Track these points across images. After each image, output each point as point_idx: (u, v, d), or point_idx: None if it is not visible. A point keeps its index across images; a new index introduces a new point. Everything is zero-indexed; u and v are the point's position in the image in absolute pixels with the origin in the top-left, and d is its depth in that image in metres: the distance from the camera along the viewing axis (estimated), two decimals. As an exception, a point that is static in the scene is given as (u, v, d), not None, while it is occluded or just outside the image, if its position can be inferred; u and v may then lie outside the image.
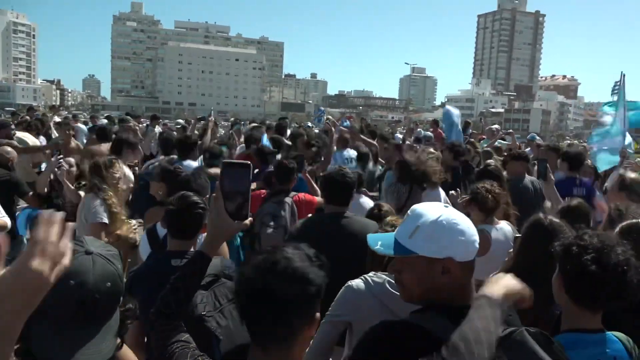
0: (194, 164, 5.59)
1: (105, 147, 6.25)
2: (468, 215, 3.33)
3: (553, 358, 1.38)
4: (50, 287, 1.04)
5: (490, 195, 3.61)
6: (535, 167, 5.49)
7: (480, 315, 1.36)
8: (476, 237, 1.51)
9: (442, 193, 5.58)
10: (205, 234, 1.65)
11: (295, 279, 1.30)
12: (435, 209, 1.52)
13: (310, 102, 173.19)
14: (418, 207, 1.56)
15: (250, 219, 1.61)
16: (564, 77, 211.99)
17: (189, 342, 1.48)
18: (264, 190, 4.81)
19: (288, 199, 4.68)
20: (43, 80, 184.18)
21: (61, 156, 5.24)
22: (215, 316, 2.17)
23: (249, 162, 1.65)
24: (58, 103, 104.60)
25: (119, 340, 1.41)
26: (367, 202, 4.89)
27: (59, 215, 1.11)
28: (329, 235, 3.01)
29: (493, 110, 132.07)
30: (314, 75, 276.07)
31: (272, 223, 4.08)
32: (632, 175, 3.90)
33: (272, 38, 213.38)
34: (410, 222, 1.52)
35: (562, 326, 1.83)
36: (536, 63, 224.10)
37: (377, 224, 3.11)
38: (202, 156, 5.89)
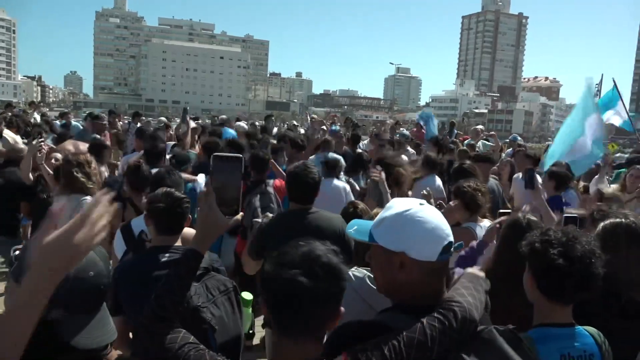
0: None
1: (83, 146, 6.12)
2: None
3: (522, 356, 1.39)
4: (74, 277, 1.18)
5: (478, 194, 3.64)
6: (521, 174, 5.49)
7: (465, 284, 1.49)
8: (444, 241, 1.47)
9: (438, 181, 5.62)
10: (191, 228, 1.58)
11: (334, 275, 1.33)
12: (407, 204, 1.52)
13: (296, 101, 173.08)
14: (394, 201, 1.59)
15: (241, 213, 1.57)
16: (546, 78, 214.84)
17: (198, 343, 1.44)
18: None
19: (270, 189, 4.74)
20: (23, 76, 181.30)
21: (42, 139, 5.16)
22: (210, 307, 2.19)
23: (241, 155, 1.58)
24: (39, 100, 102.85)
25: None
26: (340, 185, 5.14)
27: (106, 197, 1.21)
28: (296, 231, 2.96)
29: (477, 110, 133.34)
30: (299, 74, 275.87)
31: (267, 214, 4.09)
32: (609, 190, 4.17)
33: (257, 36, 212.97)
34: (382, 213, 1.57)
35: (533, 321, 1.86)
36: (519, 64, 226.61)
37: (342, 219, 3.20)
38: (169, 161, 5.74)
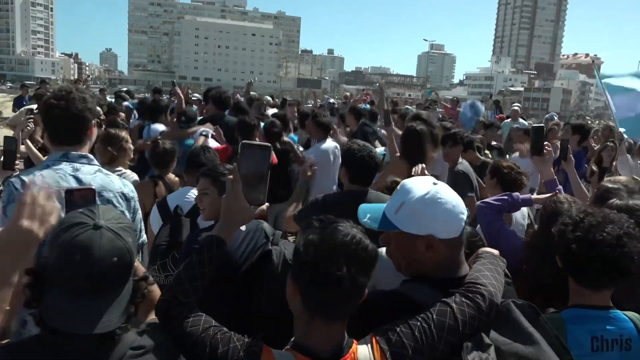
0: (160, 127, 5.93)
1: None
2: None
3: (539, 330, 1.41)
4: (53, 255, 1.23)
5: (512, 172, 3.58)
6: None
7: (487, 266, 1.56)
8: (463, 215, 1.55)
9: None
10: (221, 217, 1.59)
11: (375, 261, 1.37)
12: (424, 186, 1.55)
13: (327, 78, 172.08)
14: (408, 183, 1.60)
15: (267, 204, 1.56)
16: (587, 55, 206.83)
17: (221, 326, 1.44)
18: (228, 147, 5.01)
19: None
20: (61, 53, 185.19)
21: (31, 116, 5.19)
22: None
23: (269, 144, 1.56)
24: (76, 77, 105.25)
25: (133, 308, 1.38)
26: (329, 146, 5.30)
27: (45, 192, 1.28)
28: (353, 213, 2.97)
29: (512, 89, 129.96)
30: (330, 51, 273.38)
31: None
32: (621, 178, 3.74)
33: (289, 13, 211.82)
34: (398, 198, 1.57)
35: (569, 302, 1.82)
36: (558, 40, 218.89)
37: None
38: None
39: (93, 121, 2.28)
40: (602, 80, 6.77)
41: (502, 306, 1.47)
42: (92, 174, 2.23)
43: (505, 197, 2.76)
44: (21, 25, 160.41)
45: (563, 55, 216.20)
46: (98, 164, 2.30)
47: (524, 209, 3.57)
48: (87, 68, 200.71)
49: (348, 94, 13.93)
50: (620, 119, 6.41)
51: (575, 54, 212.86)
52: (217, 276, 1.54)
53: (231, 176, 1.54)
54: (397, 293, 1.54)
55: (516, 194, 2.83)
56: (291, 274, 1.39)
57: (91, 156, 2.28)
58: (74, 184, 2.09)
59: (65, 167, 2.17)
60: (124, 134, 4.13)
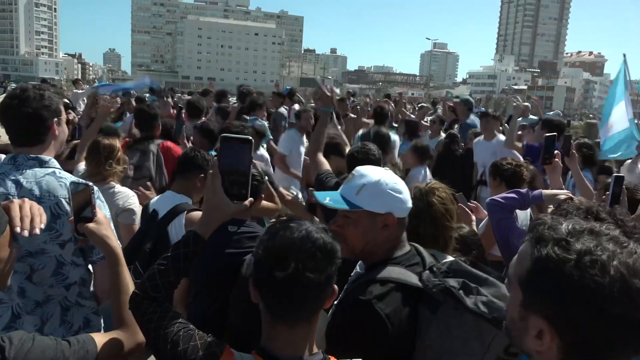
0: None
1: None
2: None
3: (483, 271, 1.65)
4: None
5: (510, 166, 3.59)
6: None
7: None
8: (410, 199, 1.76)
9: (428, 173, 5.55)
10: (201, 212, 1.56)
11: (331, 256, 1.34)
12: (378, 171, 1.75)
13: (330, 77, 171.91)
14: (361, 169, 1.76)
15: (250, 199, 1.51)
16: (590, 53, 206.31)
17: (187, 323, 1.42)
18: (128, 139, 4.71)
19: (153, 147, 4.42)
20: (65, 54, 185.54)
21: None
22: None
23: (250, 137, 1.51)
24: (80, 77, 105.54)
25: None
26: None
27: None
28: None
29: (515, 87, 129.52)
30: (333, 50, 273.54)
31: (132, 174, 3.90)
32: None
33: (291, 12, 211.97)
34: (356, 181, 1.71)
35: None
36: (561, 39, 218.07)
37: None
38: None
39: (53, 120, 2.10)
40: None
41: (453, 263, 1.68)
42: (40, 177, 2.04)
43: (514, 195, 2.71)
44: (25, 25, 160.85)
45: (567, 54, 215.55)
46: (54, 166, 2.12)
47: (528, 210, 3.56)
48: (91, 68, 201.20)
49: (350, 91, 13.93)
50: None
51: (579, 52, 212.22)
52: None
53: (211, 171, 1.50)
54: (384, 280, 1.64)
55: (525, 189, 2.79)
56: (251, 278, 1.37)
57: (47, 158, 2.10)
58: (12, 189, 1.96)
59: (9, 170, 2.03)
60: (117, 143, 3.53)
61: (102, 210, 1.78)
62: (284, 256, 1.28)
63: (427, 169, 5.63)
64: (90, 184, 1.66)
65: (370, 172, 1.73)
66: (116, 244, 1.67)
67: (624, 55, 6.79)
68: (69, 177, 2.11)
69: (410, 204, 1.75)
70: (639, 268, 0.90)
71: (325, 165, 3.21)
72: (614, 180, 2.57)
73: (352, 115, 7.40)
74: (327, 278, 1.32)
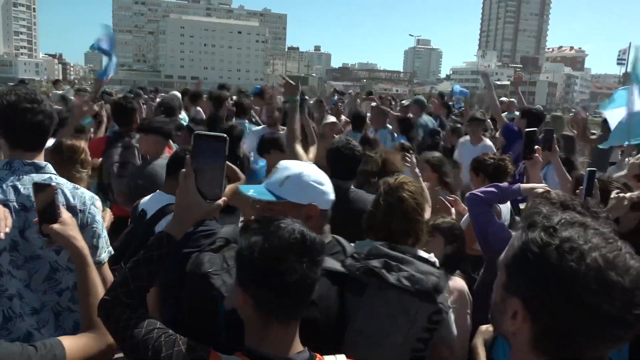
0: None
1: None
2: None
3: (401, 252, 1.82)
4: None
5: (493, 161, 3.59)
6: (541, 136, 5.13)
7: None
8: (332, 192, 1.81)
9: None
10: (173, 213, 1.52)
11: (322, 252, 1.35)
12: (300, 164, 1.79)
13: (314, 75, 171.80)
14: (284, 162, 1.80)
15: (224, 198, 1.48)
16: (571, 48, 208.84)
17: (166, 328, 1.36)
18: (105, 136, 4.63)
19: (135, 141, 4.34)
20: (45, 54, 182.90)
21: None
22: (222, 275, 2.10)
23: (225, 135, 1.45)
24: (61, 77, 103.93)
25: None
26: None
27: None
28: (338, 208, 2.89)
29: (499, 82, 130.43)
30: (317, 48, 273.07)
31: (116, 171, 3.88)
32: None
33: (274, 10, 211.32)
34: (280, 174, 1.74)
35: None
36: (543, 34, 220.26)
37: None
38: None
39: (52, 127, 2.10)
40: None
41: (372, 248, 1.86)
42: None
43: (493, 188, 2.72)
44: (3, 26, 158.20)
45: (548, 49, 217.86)
46: (50, 171, 2.10)
47: (509, 205, 3.55)
48: (72, 68, 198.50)
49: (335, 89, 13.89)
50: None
51: (560, 47, 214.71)
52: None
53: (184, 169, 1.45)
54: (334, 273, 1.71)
55: (504, 184, 2.80)
56: (239, 281, 1.34)
57: (43, 164, 2.08)
58: (11, 195, 1.93)
59: (6, 176, 2.00)
60: (82, 144, 3.40)
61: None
62: (285, 256, 1.27)
63: None
64: (54, 183, 1.61)
65: (293, 165, 1.76)
66: (83, 245, 1.64)
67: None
68: (65, 183, 2.10)
69: (332, 196, 1.78)
70: (619, 264, 0.89)
71: (303, 157, 3.18)
72: (588, 173, 2.65)
73: (331, 119, 7.23)
74: (318, 277, 1.33)
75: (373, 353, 1.76)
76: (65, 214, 1.64)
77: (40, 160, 2.09)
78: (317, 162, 3.49)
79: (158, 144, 3.97)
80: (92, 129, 5.25)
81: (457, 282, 2.67)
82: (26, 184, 1.98)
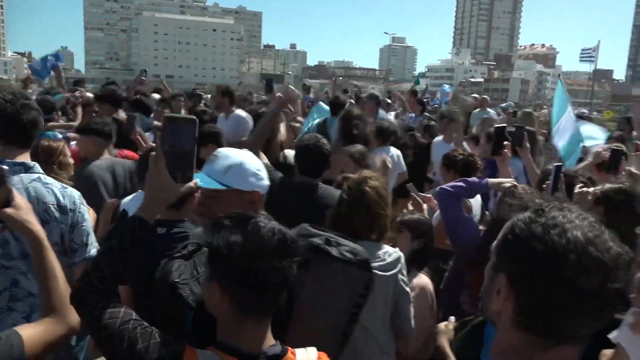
0: None
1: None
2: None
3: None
4: None
5: (463, 157, 3.64)
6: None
7: None
8: (267, 177, 1.90)
9: (394, 151, 5.44)
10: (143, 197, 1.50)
11: (296, 247, 1.36)
12: (239, 152, 1.85)
13: (290, 73, 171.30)
14: (223, 151, 1.85)
15: (195, 180, 1.49)
16: (543, 45, 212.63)
17: (142, 320, 1.34)
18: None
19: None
20: (14, 52, 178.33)
21: None
22: (191, 284, 2.05)
23: (195, 118, 1.46)
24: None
25: None
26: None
27: None
28: (304, 205, 2.91)
29: (473, 80, 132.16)
30: (293, 46, 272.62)
31: None
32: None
33: (250, 8, 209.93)
34: (221, 162, 1.79)
35: None
36: (515, 32, 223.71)
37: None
38: None
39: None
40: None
41: (301, 228, 1.95)
42: (27, 183, 2.07)
43: (462, 183, 2.78)
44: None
45: (520, 46, 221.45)
46: (39, 171, 2.12)
47: (479, 201, 3.60)
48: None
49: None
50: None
51: (532, 44, 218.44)
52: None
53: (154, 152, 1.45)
54: None
55: (472, 178, 2.86)
56: (216, 279, 1.32)
57: (31, 163, 2.11)
58: None
59: None
60: (61, 145, 3.36)
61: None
62: (267, 255, 1.28)
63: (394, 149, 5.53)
64: (5, 167, 1.57)
65: (233, 154, 1.82)
66: (38, 228, 1.61)
67: (559, 76, 6.87)
68: (54, 183, 2.12)
69: (268, 181, 1.85)
70: (599, 243, 0.92)
71: (264, 159, 3.22)
72: (555, 168, 2.73)
73: (300, 120, 7.14)
74: (294, 273, 1.35)
75: (317, 321, 1.89)
76: (19, 199, 1.60)
77: (27, 159, 2.10)
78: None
79: (97, 145, 3.93)
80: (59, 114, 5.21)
81: (421, 279, 2.73)
82: (17, 184, 1.99)
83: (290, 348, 1.40)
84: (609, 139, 5.69)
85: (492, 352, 1.07)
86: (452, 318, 1.80)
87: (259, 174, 1.80)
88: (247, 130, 5.84)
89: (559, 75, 6.73)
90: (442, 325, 1.82)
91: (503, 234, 1.02)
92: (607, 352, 1.42)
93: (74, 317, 1.46)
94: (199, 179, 1.72)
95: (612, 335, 1.27)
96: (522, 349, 0.98)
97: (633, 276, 0.95)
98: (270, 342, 1.37)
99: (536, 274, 0.93)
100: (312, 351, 1.44)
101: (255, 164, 1.83)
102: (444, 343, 1.74)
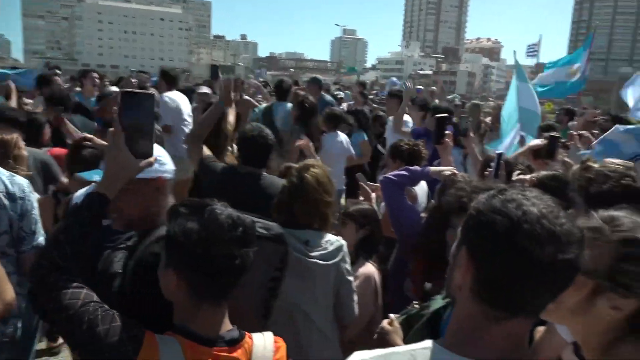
0: None
1: None
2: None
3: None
4: None
5: (408, 147, 3.70)
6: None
7: None
8: (170, 161, 1.79)
9: (343, 137, 5.60)
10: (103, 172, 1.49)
11: (254, 233, 1.39)
12: None
13: (241, 64, 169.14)
14: None
15: (155, 156, 1.50)
16: (488, 39, 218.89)
17: (103, 303, 1.33)
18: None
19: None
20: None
21: None
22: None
23: (153, 93, 1.47)
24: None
25: None
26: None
27: None
28: (248, 194, 2.89)
29: (422, 72, 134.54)
30: (243, 37, 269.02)
31: None
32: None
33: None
34: None
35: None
36: (462, 26, 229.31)
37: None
38: None
39: None
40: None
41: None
42: None
43: (404, 172, 2.83)
44: None
45: (467, 40, 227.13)
46: None
47: (425, 189, 3.71)
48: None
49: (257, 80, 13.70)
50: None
51: (478, 38, 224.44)
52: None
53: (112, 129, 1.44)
54: None
55: (414, 167, 2.92)
56: (172, 265, 1.32)
57: None
58: None
59: None
60: (15, 138, 3.16)
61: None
62: (225, 241, 1.29)
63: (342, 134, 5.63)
64: None
65: None
66: None
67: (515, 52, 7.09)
68: (1, 170, 2.12)
69: (172, 165, 1.79)
70: (553, 217, 0.95)
71: (206, 150, 3.18)
72: (496, 156, 2.83)
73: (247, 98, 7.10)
74: (252, 259, 1.36)
75: (241, 297, 1.83)
76: None
77: None
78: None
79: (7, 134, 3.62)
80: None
81: (367, 268, 2.77)
82: None
83: (247, 333, 1.42)
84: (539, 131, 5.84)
85: (450, 326, 1.08)
86: (392, 316, 1.79)
87: (161, 159, 1.70)
88: (168, 114, 5.78)
89: (515, 68, 6.78)
90: (386, 325, 1.80)
91: (468, 211, 1.05)
92: (540, 329, 1.52)
93: (9, 295, 1.42)
94: (97, 176, 1.69)
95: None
96: (478, 320, 1.01)
97: (583, 251, 0.97)
98: (227, 327, 1.38)
99: (492, 245, 0.96)
100: (268, 335, 1.46)
101: (159, 149, 1.72)
102: (398, 342, 1.74)
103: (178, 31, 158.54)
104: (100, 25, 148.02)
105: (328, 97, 8.13)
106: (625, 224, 1.16)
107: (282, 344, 1.49)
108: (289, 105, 6.13)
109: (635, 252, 1.12)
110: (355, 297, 2.51)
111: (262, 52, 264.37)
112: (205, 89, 6.91)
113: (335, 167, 4.66)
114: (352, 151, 5.59)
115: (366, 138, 6.20)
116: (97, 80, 7.45)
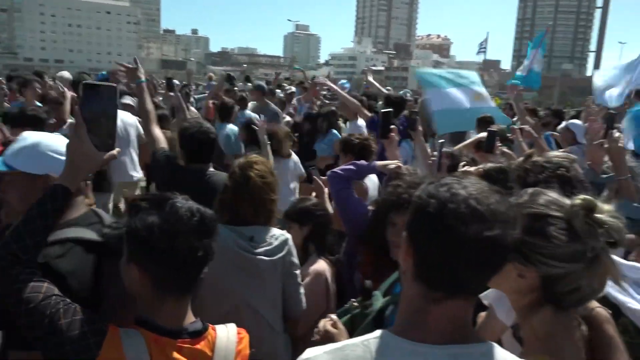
0: None
1: None
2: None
3: None
4: None
5: (359, 141, 3.73)
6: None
7: None
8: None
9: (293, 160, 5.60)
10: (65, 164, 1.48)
11: (215, 224, 1.40)
12: (41, 135, 1.75)
13: (192, 59, 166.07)
14: (25, 134, 1.75)
15: (118, 149, 1.47)
16: (438, 36, 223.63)
17: (64, 297, 1.31)
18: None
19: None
20: None
21: None
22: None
23: (115, 85, 1.46)
24: None
25: None
26: None
27: None
28: (196, 190, 2.85)
29: (374, 68, 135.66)
30: (195, 31, 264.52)
31: None
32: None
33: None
34: (17, 144, 1.70)
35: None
36: (413, 22, 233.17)
37: None
38: None
39: None
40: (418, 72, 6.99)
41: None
42: None
43: (351, 166, 2.85)
44: None
45: (418, 36, 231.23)
46: None
47: (377, 182, 3.80)
48: None
49: (212, 74, 13.61)
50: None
51: (429, 35, 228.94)
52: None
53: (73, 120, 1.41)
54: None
55: (361, 161, 2.95)
56: (134, 260, 1.33)
57: None
58: None
59: None
60: None
61: None
62: (183, 237, 1.30)
63: None
64: None
65: (31, 136, 1.72)
66: None
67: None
68: None
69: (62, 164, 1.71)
70: (481, 198, 0.99)
71: (162, 142, 3.12)
72: (439, 146, 2.91)
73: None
74: (213, 250, 1.38)
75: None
76: None
77: None
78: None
79: None
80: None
81: (318, 265, 2.77)
82: None
83: (210, 325, 1.43)
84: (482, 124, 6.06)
85: (399, 313, 1.12)
86: (334, 316, 1.79)
87: (59, 158, 1.60)
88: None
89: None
90: (330, 327, 1.73)
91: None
92: (483, 314, 1.61)
93: None
94: None
95: (482, 295, 1.41)
96: (420, 303, 1.04)
97: (512, 231, 1.01)
98: (190, 319, 1.40)
99: (425, 226, 1.01)
100: (231, 327, 1.48)
101: (56, 146, 1.65)
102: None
103: (126, 25, 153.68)
104: (42, 17, 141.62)
105: (272, 106, 7.92)
106: (542, 201, 1.23)
107: (245, 335, 1.50)
108: (231, 126, 6.14)
109: (537, 226, 1.18)
110: (302, 290, 2.51)
111: (214, 47, 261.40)
112: (128, 100, 6.20)
113: (285, 190, 4.67)
114: (303, 171, 5.40)
115: (340, 136, 6.20)
116: (38, 91, 6.93)
